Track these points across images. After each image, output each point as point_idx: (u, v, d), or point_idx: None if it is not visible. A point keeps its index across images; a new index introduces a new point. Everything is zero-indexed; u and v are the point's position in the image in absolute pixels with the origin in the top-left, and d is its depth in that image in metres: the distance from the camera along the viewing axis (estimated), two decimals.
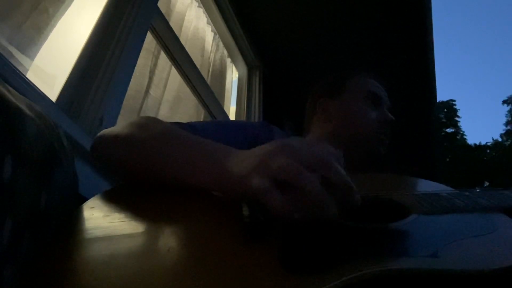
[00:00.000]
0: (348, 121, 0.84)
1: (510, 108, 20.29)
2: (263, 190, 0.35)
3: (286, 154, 0.37)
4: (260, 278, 0.30)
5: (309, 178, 0.35)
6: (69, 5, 1.01)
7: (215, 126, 0.73)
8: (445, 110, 19.56)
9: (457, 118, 19.65)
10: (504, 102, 20.88)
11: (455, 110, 19.91)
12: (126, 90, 1.08)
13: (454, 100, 20.33)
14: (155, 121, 0.57)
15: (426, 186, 0.57)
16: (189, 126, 0.66)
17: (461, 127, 19.49)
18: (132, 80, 1.13)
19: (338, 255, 0.33)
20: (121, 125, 0.58)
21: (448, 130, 19.20)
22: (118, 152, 0.54)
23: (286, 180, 0.35)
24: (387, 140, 0.83)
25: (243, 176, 0.39)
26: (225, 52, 2.06)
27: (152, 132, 0.52)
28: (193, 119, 1.60)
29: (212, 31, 1.92)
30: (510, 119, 20.10)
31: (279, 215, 0.35)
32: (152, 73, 1.35)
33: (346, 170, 0.38)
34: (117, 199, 0.47)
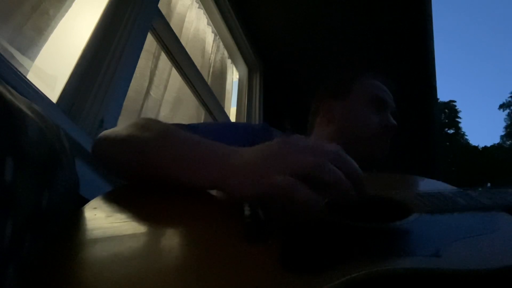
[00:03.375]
0: (350, 124, 0.84)
1: (509, 112, 20.40)
2: (291, 186, 0.35)
3: (299, 151, 0.38)
4: (262, 278, 0.30)
5: (333, 170, 0.36)
6: (69, 7, 1.01)
7: (215, 127, 0.73)
8: (446, 111, 19.59)
9: (458, 119, 19.69)
10: (501, 106, 21.01)
11: (456, 111, 19.94)
12: (126, 91, 1.08)
13: (455, 101, 20.40)
14: (155, 121, 0.57)
15: (428, 184, 0.57)
16: (190, 127, 0.66)
17: (462, 128, 19.55)
18: (132, 81, 1.13)
19: (339, 255, 0.33)
20: (121, 126, 0.58)
21: (449, 131, 19.24)
22: (118, 153, 0.54)
23: (310, 174, 0.36)
24: (388, 146, 0.82)
25: (260, 175, 0.38)
26: (226, 53, 2.06)
27: (153, 132, 0.52)
28: (194, 120, 1.60)
29: (212, 32, 1.92)
30: (509, 122, 20.17)
31: (310, 208, 0.35)
32: (152, 74, 1.35)
33: None
34: (119, 199, 0.47)
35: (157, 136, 0.51)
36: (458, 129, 19.38)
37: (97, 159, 0.61)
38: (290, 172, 0.36)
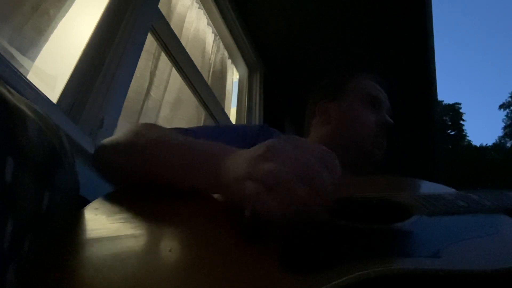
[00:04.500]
0: (346, 123, 0.84)
1: (508, 112, 20.50)
2: (253, 195, 0.35)
3: (274, 159, 0.37)
4: (261, 278, 0.30)
5: (293, 186, 0.34)
6: (69, 7, 1.01)
7: (213, 131, 0.74)
8: (450, 113, 19.66)
9: (462, 122, 19.75)
10: (500, 106, 21.10)
11: (460, 113, 19.98)
12: (126, 91, 1.08)
13: (460, 103, 20.43)
14: (152, 126, 0.58)
15: (428, 187, 0.57)
16: (188, 132, 0.66)
17: (464, 130, 19.61)
18: (132, 81, 1.13)
19: (339, 255, 0.33)
20: (120, 133, 0.58)
21: (452, 132, 19.29)
22: (118, 160, 0.54)
23: (273, 185, 0.35)
24: (385, 143, 0.82)
25: (237, 181, 0.38)
26: (226, 54, 2.06)
27: (149, 137, 0.52)
28: (194, 120, 1.60)
29: (212, 32, 1.92)
30: (509, 122, 20.25)
31: (271, 218, 0.34)
32: (152, 74, 1.35)
33: (343, 171, 0.38)
34: (120, 200, 0.47)
35: (152, 141, 0.51)
36: (460, 131, 19.41)
37: (97, 168, 0.61)
38: (260, 180, 0.36)
